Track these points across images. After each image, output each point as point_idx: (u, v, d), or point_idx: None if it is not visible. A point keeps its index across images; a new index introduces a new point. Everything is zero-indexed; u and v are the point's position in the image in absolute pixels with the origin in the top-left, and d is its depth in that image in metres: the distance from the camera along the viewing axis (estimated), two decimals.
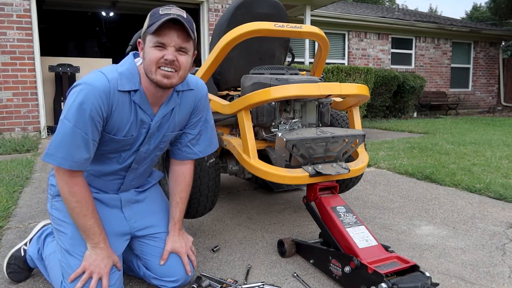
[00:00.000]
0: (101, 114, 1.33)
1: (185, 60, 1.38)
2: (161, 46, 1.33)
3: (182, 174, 1.68)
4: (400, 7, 19.92)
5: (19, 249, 1.70)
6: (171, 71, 1.35)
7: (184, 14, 1.36)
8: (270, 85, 2.00)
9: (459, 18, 23.75)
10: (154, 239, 1.61)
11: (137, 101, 1.42)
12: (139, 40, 1.41)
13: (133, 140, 1.48)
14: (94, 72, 1.38)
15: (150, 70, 1.35)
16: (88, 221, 1.39)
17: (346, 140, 1.91)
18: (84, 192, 1.39)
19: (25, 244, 1.72)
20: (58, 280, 1.46)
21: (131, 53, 1.49)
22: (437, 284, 1.51)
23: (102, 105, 1.33)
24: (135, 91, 1.41)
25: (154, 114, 1.49)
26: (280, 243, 1.95)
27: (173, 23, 1.32)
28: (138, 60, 1.45)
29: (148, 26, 1.33)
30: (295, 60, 3.96)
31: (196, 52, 1.47)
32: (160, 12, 1.33)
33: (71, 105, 1.30)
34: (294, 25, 2.20)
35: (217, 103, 2.17)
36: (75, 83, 1.36)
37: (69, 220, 1.46)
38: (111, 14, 10.85)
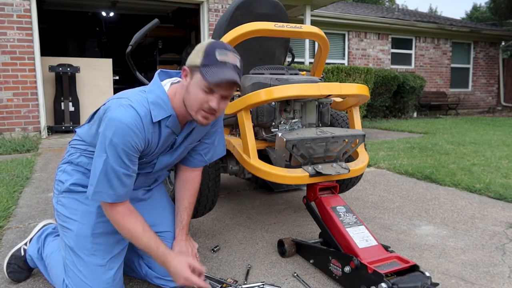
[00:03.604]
0: (136, 149, 1.36)
1: (225, 105, 1.43)
2: (209, 91, 1.36)
3: (192, 180, 1.71)
4: (400, 7, 19.95)
5: (19, 249, 1.71)
6: (210, 115, 1.40)
7: (238, 62, 1.39)
8: (270, 85, 2.00)
9: (459, 18, 23.76)
10: None
11: (170, 125, 1.45)
12: (185, 67, 1.40)
13: (157, 156, 1.52)
14: (124, 107, 1.35)
15: (192, 109, 1.39)
16: (141, 240, 1.41)
17: (346, 140, 1.91)
18: (124, 217, 1.40)
19: (25, 244, 1.73)
20: (60, 278, 1.47)
21: (156, 75, 1.50)
22: (437, 284, 1.52)
23: (138, 140, 1.35)
24: (168, 117, 1.43)
25: (180, 130, 1.52)
26: (280, 243, 1.95)
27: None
28: (165, 84, 1.47)
29: (202, 65, 1.33)
30: (295, 60, 3.96)
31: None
32: (218, 58, 1.34)
33: (108, 143, 1.31)
34: (294, 25, 2.21)
35: None
36: (107, 115, 1.34)
37: (75, 217, 1.47)
38: (111, 14, 10.85)
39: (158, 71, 1.53)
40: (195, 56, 1.37)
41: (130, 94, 1.42)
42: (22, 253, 1.69)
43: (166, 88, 1.46)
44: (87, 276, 1.42)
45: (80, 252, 1.43)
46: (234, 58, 1.38)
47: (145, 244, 1.42)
